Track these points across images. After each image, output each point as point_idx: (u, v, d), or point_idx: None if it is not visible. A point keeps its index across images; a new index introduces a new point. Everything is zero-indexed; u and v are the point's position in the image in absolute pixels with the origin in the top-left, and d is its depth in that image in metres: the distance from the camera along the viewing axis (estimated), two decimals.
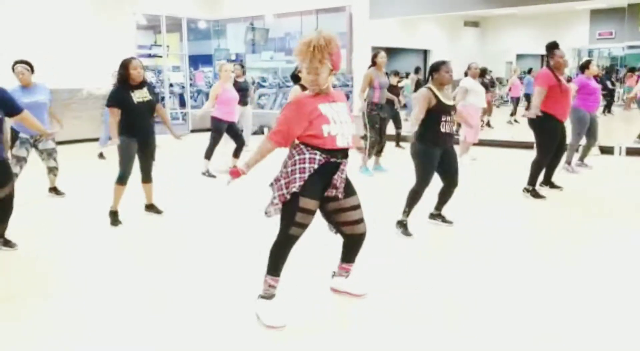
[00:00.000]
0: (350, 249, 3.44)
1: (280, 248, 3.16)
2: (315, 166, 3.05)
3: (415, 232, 4.90)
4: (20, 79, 5.82)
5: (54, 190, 6.49)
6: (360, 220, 3.32)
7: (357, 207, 3.29)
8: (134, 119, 5.10)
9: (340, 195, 3.17)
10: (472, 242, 4.71)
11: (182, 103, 14.96)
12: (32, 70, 5.92)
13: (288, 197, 3.06)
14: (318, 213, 3.23)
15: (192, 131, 14.10)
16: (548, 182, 6.54)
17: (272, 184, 3.17)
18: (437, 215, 5.11)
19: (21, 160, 5.92)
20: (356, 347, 2.92)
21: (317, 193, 3.10)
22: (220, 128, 7.58)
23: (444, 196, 4.98)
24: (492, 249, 4.49)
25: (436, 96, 4.61)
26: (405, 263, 4.19)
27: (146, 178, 5.50)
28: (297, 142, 3.12)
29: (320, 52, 2.97)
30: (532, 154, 6.40)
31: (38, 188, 6.39)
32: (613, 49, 16.15)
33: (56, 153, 6.27)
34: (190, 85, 14.99)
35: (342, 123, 3.09)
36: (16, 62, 5.88)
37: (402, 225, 4.82)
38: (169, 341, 2.99)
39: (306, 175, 3.04)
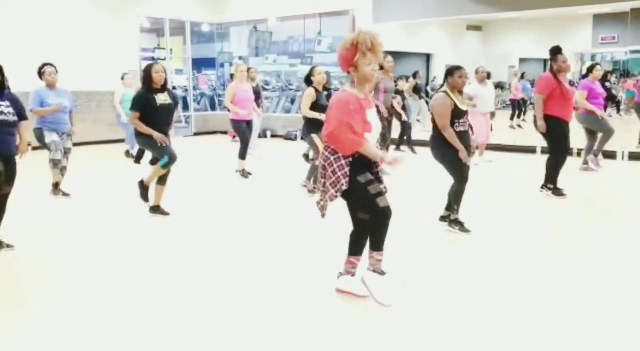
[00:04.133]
0: (377, 236, 3.48)
1: (379, 224, 3.32)
2: (351, 159, 3.24)
3: (418, 234, 4.91)
4: (49, 80, 6.17)
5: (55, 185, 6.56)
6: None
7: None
8: (155, 121, 5.29)
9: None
10: (477, 244, 4.72)
11: (185, 106, 14.99)
12: (57, 72, 6.28)
13: (338, 194, 3.25)
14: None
15: (195, 134, 14.15)
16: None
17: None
18: (447, 216, 5.12)
19: (57, 145, 6.21)
20: (358, 349, 2.93)
21: (365, 168, 3.30)
22: (241, 127, 7.75)
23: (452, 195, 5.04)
24: (497, 251, 4.50)
25: (453, 101, 4.68)
26: (408, 265, 4.20)
27: (162, 180, 5.59)
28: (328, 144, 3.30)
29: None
30: (534, 158, 6.41)
31: (42, 189, 6.40)
32: (616, 53, 16.15)
33: (70, 153, 6.45)
34: (194, 88, 15.01)
35: (376, 129, 3.34)
36: (44, 64, 6.22)
37: (458, 223, 4.98)
38: (172, 342, 3.00)
39: (346, 169, 3.22)
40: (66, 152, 6.36)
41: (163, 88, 5.38)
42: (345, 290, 3.50)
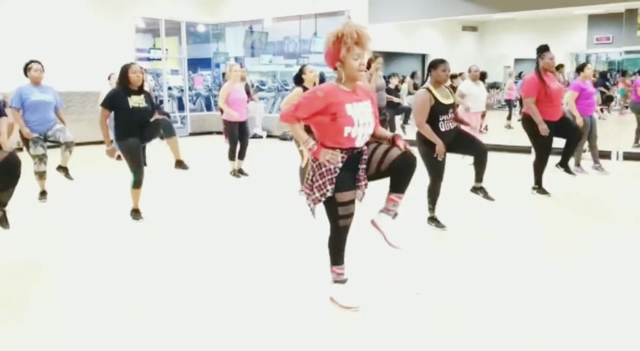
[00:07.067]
0: (400, 178, 3.25)
1: (336, 241, 3.30)
2: (340, 165, 3.14)
3: (418, 235, 4.91)
4: (35, 77, 6.08)
5: (64, 169, 6.50)
6: (404, 152, 3.18)
7: (391, 148, 3.22)
8: (129, 123, 5.20)
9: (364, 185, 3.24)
10: (474, 245, 4.73)
11: (181, 107, 14.96)
12: (43, 70, 6.19)
13: (323, 199, 3.17)
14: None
15: (191, 134, 14.13)
16: (564, 164, 6.41)
17: (302, 189, 3.28)
18: (479, 188, 5.18)
19: (42, 158, 6.17)
20: (357, 348, 2.93)
21: (350, 183, 3.20)
22: (231, 129, 7.77)
23: (479, 166, 5.07)
24: (494, 252, 4.50)
25: (434, 96, 4.68)
26: (406, 266, 4.20)
27: (167, 134, 5.38)
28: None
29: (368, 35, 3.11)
30: (530, 158, 6.44)
31: (37, 190, 6.38)
32: (610, 54, 16.20)
33: (72, 146, 6.35)
34: (189, 88, 14.99)
35: (365, 125, 3.17)
36: (31, 61, 6.13)
37: (433, 220, 5.01)
38: (171, 343, 3.00)
39: (333, 176, 3.13)
40: (68, 146, 6.27)
41: (140, 90, 5.26)
42: (378, 227, 3.38)
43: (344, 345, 2.96)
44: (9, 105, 6.10)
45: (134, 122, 5.20)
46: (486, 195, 5.20)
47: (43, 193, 6.36)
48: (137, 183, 5.35)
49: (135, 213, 5.50)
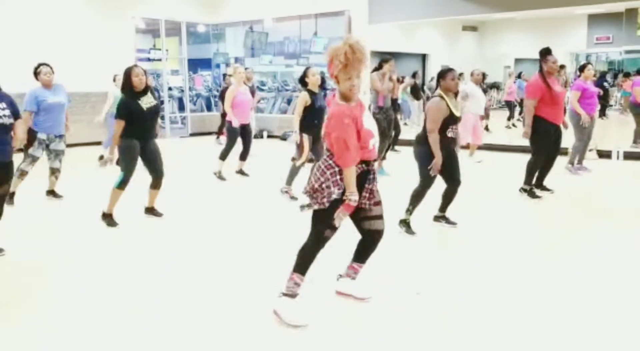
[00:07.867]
0: (365, 248, 3.41)
1: (313, 249, 3.21)
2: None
3: (418, 234, 4.91)
4: (45, 80, 6.08)
5: (52, 193, 6.45)
6: (380, 217, 3.35)
7: (379, 203, 3.35)
8: (141, 124, 5.20)
9: (369, 204, 3.25)
10: (474, 245, 4.73)
11: (181, 107, 14.95)
12: (53, 72, 6.18)
13: (327, 204, 3.11)
14: None
15: (192, 134, 14.13)
16: (540, 185, 6.50)
17: (308, 191, 3.18)
18: (441, 217, 5.13)
19: (35, 160, 6.12)
20: (356, 349, 2.93)
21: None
22: (234, 131, 7.74)
23: (448, 197, 5.01)
24: (494, 252, 4.51)
25: (448, 107, 4.65)
26: (407, 265, 4.20)
27: (156, 184, 5.48)
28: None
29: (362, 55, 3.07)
30: (530, 158, 6.43)
31: (37, 191, 6.38)
32: (611, 54, 16.21)
33: (63, 155, 6.32)
34: (190, 89, 14.99)
35: (377, 133, 3.23)
36: (40, 64, 6.13)
37: (405, 223, 4.90)
38: (169, 342, 3.00)
39: (338, 178, 3.11)
40: (58, 154, 6.22)
41: (145, 90, 5.24)
42: (345, 292, 3.50)
43: (344, 345, 2.96)
44: (24, 109, 5.97)
45: (147, 122, 5.23)
46: (448, 221, 5.11)
47: (12, 196, 5.96)
48: (122, 184, 5.23)
49: (109, 219, 5.31)
